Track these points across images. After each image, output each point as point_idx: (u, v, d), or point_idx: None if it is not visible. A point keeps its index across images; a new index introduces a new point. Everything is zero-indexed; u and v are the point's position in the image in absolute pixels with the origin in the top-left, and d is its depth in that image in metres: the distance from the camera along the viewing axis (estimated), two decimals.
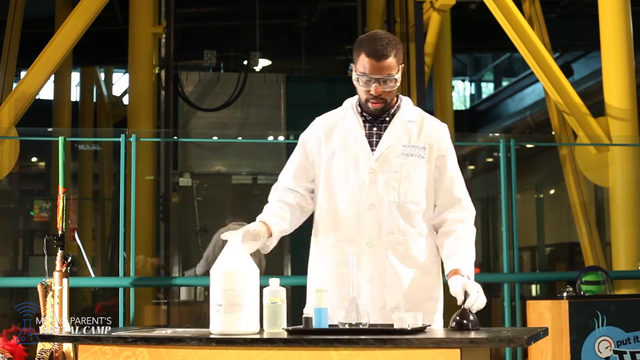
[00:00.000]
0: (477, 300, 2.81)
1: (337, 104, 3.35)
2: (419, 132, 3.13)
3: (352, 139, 3.13)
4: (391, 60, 3.01)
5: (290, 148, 10.51)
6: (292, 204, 3.22)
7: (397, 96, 3.18)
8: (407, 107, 3.18)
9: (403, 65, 3.11)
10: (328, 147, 3.16)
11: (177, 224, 9.79)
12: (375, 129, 3.14)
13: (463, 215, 3.12)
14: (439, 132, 3.16)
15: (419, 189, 3.10)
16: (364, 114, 3.16)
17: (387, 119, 3.14)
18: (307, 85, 11.56)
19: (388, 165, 3.08)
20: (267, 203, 3.31)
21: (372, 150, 3.11)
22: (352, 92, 3.19)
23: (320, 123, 3.25)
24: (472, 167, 13.45)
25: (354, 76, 3.08)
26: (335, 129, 3.18)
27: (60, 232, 4.58)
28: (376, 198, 3.07)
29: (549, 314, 5.28)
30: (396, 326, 2.63)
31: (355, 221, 3.08)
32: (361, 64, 3.03)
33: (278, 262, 10.09)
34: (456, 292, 2.84)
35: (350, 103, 3.23)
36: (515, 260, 6.67)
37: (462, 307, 2.77)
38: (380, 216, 3.07)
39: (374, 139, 3.13)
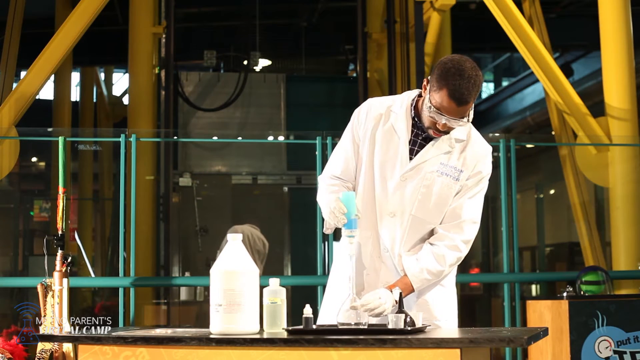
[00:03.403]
0: (364, 305, 2.81)
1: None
2: (461, 154, 3.06)
3: (395, 139, 3.07)
4: (470, 104, 2.90)
5: (290, 148, 10.61)
6: (345, 189, 3.15)
7: None
8: None
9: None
10: (372, 136, 3.09)
11: (177, 224, 9.80)
12: (420, 137, 3.07)
13: (454, 234, 3.04)
14: (479, 157, 3.07)
15: (440, 209, 3.05)
16: (416, 117, 3.08)
17: None
18: (307, 85, 11.56)
19: (420, 177, 3.03)
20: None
21: (411, 157, 3.05)
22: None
23: (374, 106, 3.14)
24: None
25: (427, 102, 2.93)
26: (383, 120, 3.10)
27: (60, 232, 4.57)
28: (399, 207, 3.04)
29: (549, 314, 5.28)
30: (390, 326, 2.64)
31: (376, 225, 3.07)
32: (439, 97, 2.88)
33: (278, 262, 10.10)
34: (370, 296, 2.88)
35: (408, 99, 3.11)
36: (515, 260, 6.67)
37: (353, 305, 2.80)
38: (398, 225, 3.04)
39: (417, 147, 3.07)
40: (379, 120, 3.10)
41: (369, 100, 3.20)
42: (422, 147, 3.06)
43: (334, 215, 2.90)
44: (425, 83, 2.98)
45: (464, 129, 3.07)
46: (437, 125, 2.95)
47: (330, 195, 3.05)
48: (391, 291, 2.90)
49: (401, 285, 2.95)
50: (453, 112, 2.89)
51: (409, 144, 3.07)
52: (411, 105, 3.09)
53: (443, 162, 3.04)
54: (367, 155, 3.09)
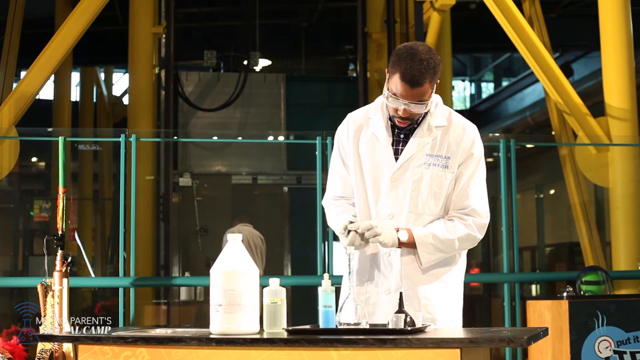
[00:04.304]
0: (364, 229, 2.88)
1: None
2: (444, 140, 3.05)
3: (378, 145, 3.08)
4: (426, 87, 2.89)
5: (290, 148, 10.62)
6: (353, 208, 3.17)
7: None
8: (435, 110, 3.06)
9: (438, 81, 2.99)
10: (356, 149, 3.12)
11: (177, 224, 9.80)
12: (402, 135, 3.07)
13: (467, 216, 3.03)
14: (463, 138, 3.06)
15: (437, 200, 3.05)
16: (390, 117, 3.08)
17: (414, 125, 3.05)
18: (307, 85, 11.57)
19: (409, 174, 3.03)
20: (325, 210, 3.24)
21: (397, 157, 3.05)
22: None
23: (352, 120, 3.17)
24: None
25: (385, 91, 2.97)
26: (364, 130, 3.12)
27: (60, 232, 4.57)
28: (395, 208, 3.04)
29: (549, 314, 5.28)
30: (390, 326, 2.64)
31: None
32: (394, 84, 2.91)
33: (278, 262, 10.10)
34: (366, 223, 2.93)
35: (382, 102, 3.12)
36: (515, 260, 6.67)
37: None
38: (399, 226, 3.03)
39: (400, 147, 3.07)
40: (360, 132, 3.12)
41: (347, 117, 3.22)
42: (405, 144, 3.07)
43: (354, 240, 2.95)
44: (386, 73, 3.00)
45: (443, 115, 3.08)
46: (398, 112, 2.96)
47: (342, 215, 3.08)
48: (397, 231, 2.93)
49: (405, 231, 2.97)
50: (408, 96, 2.90)
51: (393, 145, 3.07)
52: (386, 107, 3.09)
53: (428, 154, 3.04)
54: (357, 169, 3.11)
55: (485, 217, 3.06)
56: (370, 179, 3.08)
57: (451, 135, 3.06)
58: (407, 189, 3.04)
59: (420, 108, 2.94)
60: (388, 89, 2.95)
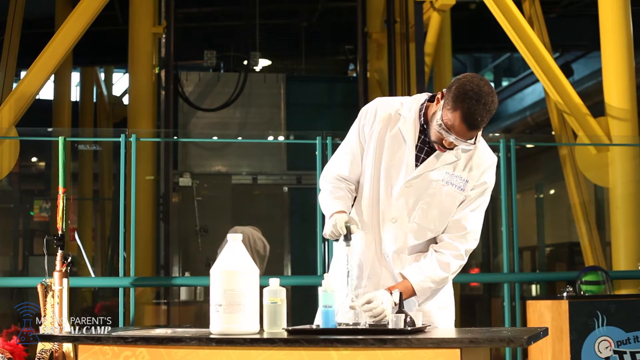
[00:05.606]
0: (365, 309, 2.81)
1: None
2: (466, 164, 3.04)
3: (403, 145, 3.03)
4: (481, 128, 2.88)
5: (290, 148, 10.61)
6: (350, 196, 3.13)
7: None
8: None
9: None
10: (379, 141, 3.06)
11: (177, 224, 9.80)
12: (427, 145, 3.04)
13: (459, 243, 3.04)
14: (483, 166, 3.07)
15: (444, 218, 3.04)
16: (424, 124, 3.03)
17: None
18: (307, 85, 11.55)
19: (425, 186, 3.01)
20: (320, 191, 3.17)
21: (417, 164, 3.02)
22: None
23: (382, 108, 3.09)
24: None
25: (438, 118, 2.88)
26: (392, 124, 3.06)
27: (60, 232, 4.57)
28: (403, 213, 3.03)
29: (549, 314, 5.28)
30: (390, 326, 2.64)
31: (378, 229, 3.06)
32: (452, 117, 2.83)
33: (278, 262, 10.10)
34: (366, 296, 2.87)
35: (418, 103, 3.06)
36: (515, 260, 6.67)
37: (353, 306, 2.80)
38: (400, 231, 3.03)
39: (423, 154, 3.04)
40: (387, 123, 3.06)
41: (377, 100, 3.15)
42: (428, 154, 3.03)
43: (334, 234, 2.95)
44: (439, 96, 2.93)
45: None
46: (443, 142, 2.93)
47: (335, 202, 3.04)
48: (391, 293, 2.90)
49: (402, 288, 2.94)
50: (463, 134, 2.86)
51: (415, 150, 3.03)
52: (420, 110, 3.05)
53: (449, 172, 3.02)
54: (374, 159, 3.06)
55: (475, 244, 3.09)
56: (384, 176, 3.04)
57: (475, 161, 3.05)
58: (418, 199, 3.02)
59: (466, 145, 2.91)
60: (442, 118, 2.87)
